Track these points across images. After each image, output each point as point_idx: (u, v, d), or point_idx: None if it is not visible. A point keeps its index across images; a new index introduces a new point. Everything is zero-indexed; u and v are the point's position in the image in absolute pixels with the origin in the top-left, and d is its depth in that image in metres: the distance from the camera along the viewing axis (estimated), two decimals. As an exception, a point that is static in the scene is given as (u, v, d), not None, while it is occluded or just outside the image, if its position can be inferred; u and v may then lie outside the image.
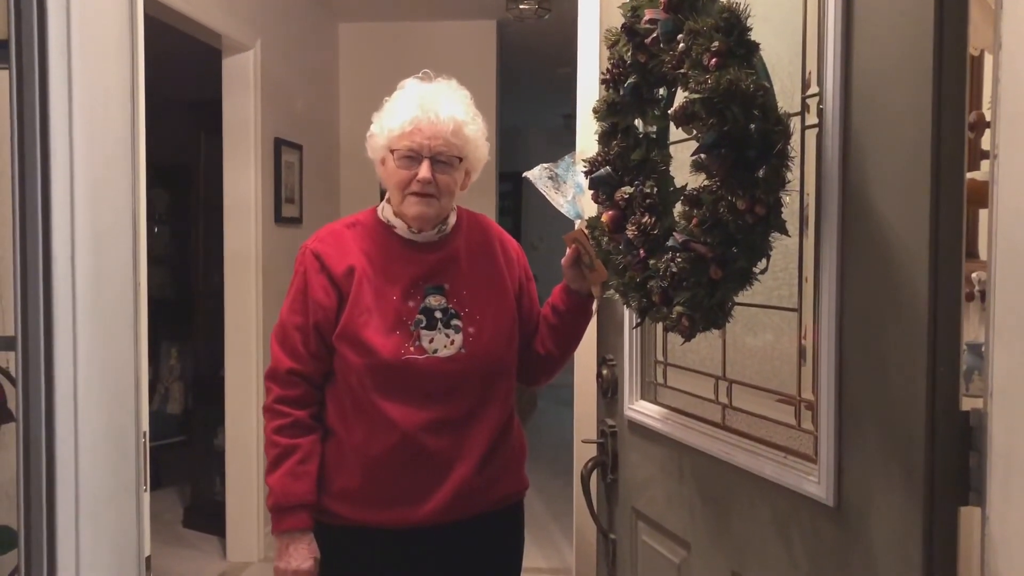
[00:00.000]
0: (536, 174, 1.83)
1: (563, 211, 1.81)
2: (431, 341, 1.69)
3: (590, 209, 1.72)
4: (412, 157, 1.68)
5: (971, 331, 1.18)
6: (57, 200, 1.12)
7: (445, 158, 1.68)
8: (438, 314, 1.71)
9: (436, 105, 1.68)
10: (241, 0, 3.73)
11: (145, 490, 1.30)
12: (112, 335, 1.22)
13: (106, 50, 1.21)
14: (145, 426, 1.32)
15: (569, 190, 1.82)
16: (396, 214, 1.75)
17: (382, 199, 1.82)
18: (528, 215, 8.61)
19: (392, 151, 1.70)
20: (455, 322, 1.71)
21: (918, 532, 1.00)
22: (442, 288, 1.74)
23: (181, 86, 4.26)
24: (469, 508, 1.72)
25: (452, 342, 1.70)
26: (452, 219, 1.80)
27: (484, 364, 1.72)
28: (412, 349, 1.67)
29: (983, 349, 0.94)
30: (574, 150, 1.92)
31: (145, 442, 1.32)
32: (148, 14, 1.37)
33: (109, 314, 1.22)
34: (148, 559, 1.32)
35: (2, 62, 1.13)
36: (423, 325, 1.69)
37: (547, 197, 1.84)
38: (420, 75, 1.76)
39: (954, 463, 0.98)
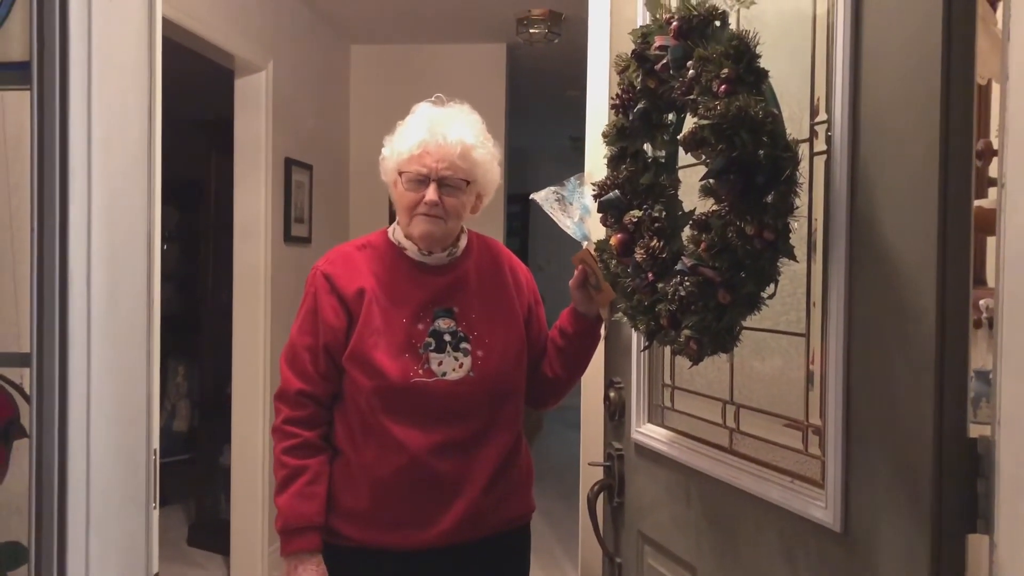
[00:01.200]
0: (543, 196, 1.84)
1: (570, 233, 1.83)
2: (440, 364, 1.69)
3: (597, 230, 1.74)
4: (420, 180, 1.69)
5: (979, 358, 1.18)
6: (75, 218, 1.14)
7: (452, 181, 1.69)
8: (447, 337, 1.71)
9: (445, 129, 1.69)
10: (254, 21, 3.77)
11: (154, 507, 1.31)
12: (125, 352, 1.24)
13: (125, 71, 1.23)
14: (156, 443, 1.33)
15: (576, 212, 1.83)
16: (406, 236, 1.76)
17: (391, 220, 1.83)
18: (535, 236, 8.63)
19: (401, 174, 1.71)
20: (464, 345, 1.72)
21: (925, 559, 1.00)
22: (451, 311, 1.74)
23: (193, 105, 4.30)
24: (476, 530, 1.72)
25: (461, 365, 1.70)
26: (463, 242, 1.81)
27: (492, 387, 1.73)
28: (421, 372, 1.68)
29: (991, 376, 0.95)
30: (580, 172, 1.93)
31: (155, 459, 1.32)
32: (162, 35, 1.39)
33: (123, 331, 1.23)
34: (156, 576, 1.33)
35: (23, 83, 1.15)
36: (432, 348, 1.70)
37: (554, 219, 1.85)
38: (433, 99, 1.78)
39: (962, 490, 0.98)
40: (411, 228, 1.73)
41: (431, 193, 1.68)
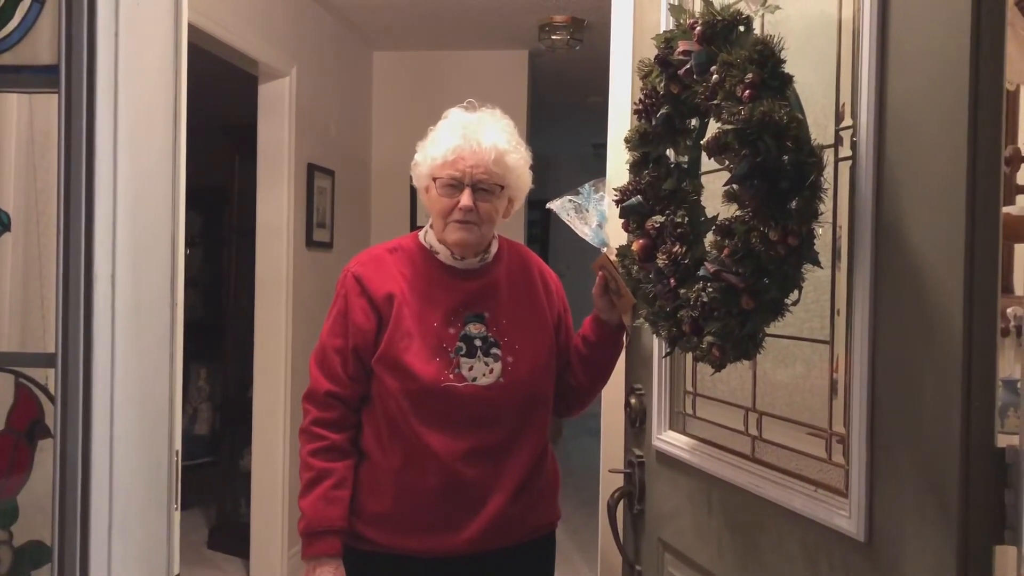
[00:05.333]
0: (559, 205, 1.84)
1: (588, 239, 1.83)
2: (470, 369, 1.69)
3: (615, 236, 1.73)
4: (454, 185, 1.69)
5: (1006, 367, 1.16)
6: (100, 220, 1.15)
7: (486, 186, 1.70)
8: (478, 342, 1.71)
9: (478, 134, 1.70)
10: (278, 28, 3.80)
11: (176, 508, 1.32)
12: (149, 354, 1.25)
13: (151, 75, 1.25)
14: (178, 444, 1.34)
15: (593, 218, 1.83)
16: (440, 241, 1.77)
17: (412, 225, 1.85)
18: (556, 243, 8.63)
19: (435, 179, 1.72)
20: (494, 351, 1.72)
21: (952, 570, 0.98)
22: (482, 316, 1.74)
23: (217, 111, 4.34)
24: (503, 538, 1.72)
25: (491, 371, 1.70)
26: (494, 248, 1.81)
27: (522, 394, 1.72)
28: (452, 376, 1.67)
29: (1018, 385, 0.93)
30: (595, 179, 1.92)
31: (178, 460, 1.33)
32: (187, 40, 1.41)
33: (146, 333, 1.24)
34: (177, 577, 1.34)
35: (51, 86, 1.16)
36: (463, 353, 1.70)
37: (572, 227, 1.85)
38: (464, 104, 1.78)
39: (989, 500, 0.97)
40: (445, 235, 1.73)
41: (466, 198, 1.68)
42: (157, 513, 1.27)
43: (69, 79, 1.15)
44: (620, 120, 2.07)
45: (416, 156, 1.78)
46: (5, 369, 1.23)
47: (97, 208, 1.15)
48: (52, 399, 1.18)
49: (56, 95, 1.16)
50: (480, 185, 1.69)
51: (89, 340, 1.15)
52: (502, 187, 1.72)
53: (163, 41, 1.27)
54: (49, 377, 1.19)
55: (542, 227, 8.54)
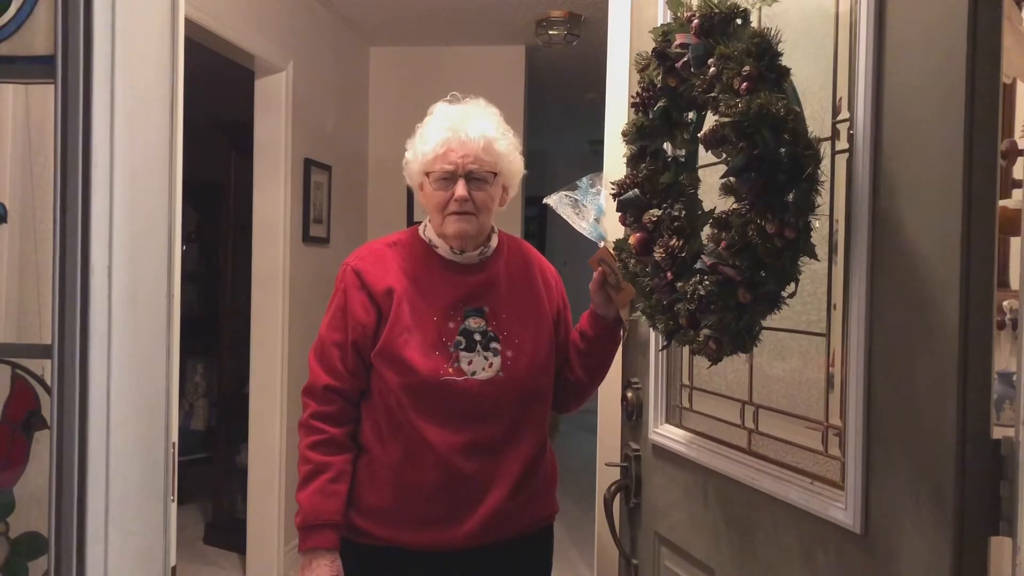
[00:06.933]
0: (556, 200, 1.85)
1: (586, 234, 1.83)
2: (470, 363, 1.69)
3: (613, 230, 1.73)
4: (447, 178, 1.70)
5: (1002, 360, 1.17)
6: (96, 211, 1.15)
7: (479, 175, 1.70)
8: (477, 336, 1.71)
9: (465, 125, 1.70)
10: (274, 23, 3.79)
11: (173, 500, 1.32)
12: (145, 346, 1.24)
13: (148, 67, 1.24)
14: (174, 436, 1.33)
15: (590, 213, 1.83)
16: (439, 235, 1.77)
17: (409, 220, 1.85)
18: (553, 239, 8.64)
19: (428, 174, 1.72)
20: (494, 345, 1.72)
21: (947, 561, 0.99)
22: (482, 310, 1.74)
23: (213, 106, 4.33)
24: (502, 532, 1.72)
25: (490, 365, 1.70)
26: (494, 242, 1.82)
27: (521, 388, 1.72)
28: (451, 370, 1.68)
29: (1014, 378, 0.94)
30: (592, 173, 1.93)
31: (174, 452, 1.33)
32: (184, 34, 1.41)
33: (143, 325, 1.24)
34: (174, 569, 1.33)
35: (47, 77, 1.16)
36: (462, 347, 1.70)
37: (569, 221, 1.85)
38: (448, 98, 1.79)
39: (984, 492, 0.97)
40: (444, 228, 1.73)
41: (460, 189, 1.68)
42: (154, 505, 1.27)
43: (65, 70, 1.15)
44: (617, 114, 2.07)
45: (406, 155, 1.79)
46: (1, 360, 1.23)
47: (94, 199, 1.15)
48: (48, 390, 1.18)
49: (52, 86, 1.16)
50: (473, 175, 1.70)
51: (85, 331, 1.15)
52: (495, 174, 1.73)
53: (160, 32, 1.27)
54: (45, 368, 1.19)
55: (538, 223, 8.55)
